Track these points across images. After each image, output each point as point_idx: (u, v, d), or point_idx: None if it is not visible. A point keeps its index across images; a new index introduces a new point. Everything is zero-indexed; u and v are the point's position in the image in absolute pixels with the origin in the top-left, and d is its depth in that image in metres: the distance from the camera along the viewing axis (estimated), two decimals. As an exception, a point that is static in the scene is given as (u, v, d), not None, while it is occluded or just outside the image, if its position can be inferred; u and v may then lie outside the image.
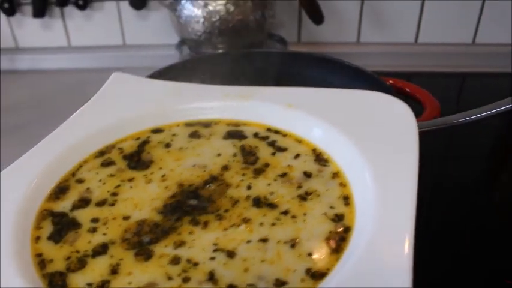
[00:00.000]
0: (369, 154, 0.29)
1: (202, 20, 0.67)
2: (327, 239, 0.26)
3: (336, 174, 0.31)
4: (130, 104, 0.38)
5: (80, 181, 0.32)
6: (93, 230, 0.28)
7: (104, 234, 0.28)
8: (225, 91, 0.38)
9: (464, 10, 0.78)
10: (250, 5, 0.67)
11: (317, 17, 0.68)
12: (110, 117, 0.36)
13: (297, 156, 0.33)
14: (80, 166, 0.33)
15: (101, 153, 0.35)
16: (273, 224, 0.28)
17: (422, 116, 0.42)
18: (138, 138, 0.36)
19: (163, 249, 0.27)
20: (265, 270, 0.25)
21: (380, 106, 0.34)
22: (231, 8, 0.66)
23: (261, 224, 0.28)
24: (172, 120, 0.37)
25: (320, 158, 0.33)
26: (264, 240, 0.27)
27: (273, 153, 0.34)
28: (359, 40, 0.80)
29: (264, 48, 0.68)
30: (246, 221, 0.28)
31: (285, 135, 0.35)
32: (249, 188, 0.31)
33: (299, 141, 0.34)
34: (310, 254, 0.26)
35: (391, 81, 0.48)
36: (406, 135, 0.30)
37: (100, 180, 0.32)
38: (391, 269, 0.22)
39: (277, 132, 0.35)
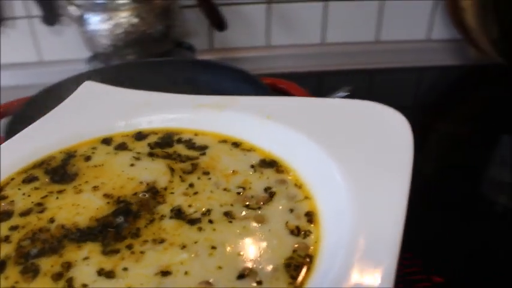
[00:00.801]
0: (347, 170, 0.27)
1: (107, 33, 0.69)
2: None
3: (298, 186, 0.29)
4: (88, 114, 0.37)
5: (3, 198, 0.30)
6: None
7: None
8: (199, 101, 0.36)
9: (365, 10, 0.83)
10: (153, 17, 0.69)
11: (219, 24, 0.71)
12: (61, 129, 0.36)
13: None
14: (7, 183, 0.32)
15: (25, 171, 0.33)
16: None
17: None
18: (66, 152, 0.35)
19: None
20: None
21: (363, 116, 0.32)
22: (134, 20, 0.68)
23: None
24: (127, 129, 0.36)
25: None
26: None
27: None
28: (270, 43, 0.84)
29: (165, 57, 0.71)
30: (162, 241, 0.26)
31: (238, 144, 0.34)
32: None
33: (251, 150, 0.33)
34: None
35: (268, 81, 0.51)
36: (398, 149, 0.28)
37: (24, 194, 0.31)
38: None
39: (234, 143, 0.34)
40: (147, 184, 0.30)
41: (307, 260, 0.24)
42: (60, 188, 0.31)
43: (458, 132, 0.68)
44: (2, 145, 0.33)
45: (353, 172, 0.26)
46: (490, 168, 0.57)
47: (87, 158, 0.34)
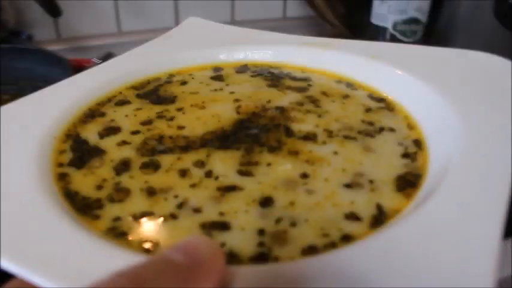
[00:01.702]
0: (461, 111, 0.27)
1: None
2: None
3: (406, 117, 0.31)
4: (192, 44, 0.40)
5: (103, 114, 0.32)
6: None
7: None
8: (302, 40, 0.39)
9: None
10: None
11: (52, 10, 0.67)
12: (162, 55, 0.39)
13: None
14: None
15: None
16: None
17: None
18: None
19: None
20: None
21: (474, 64, 0.33)
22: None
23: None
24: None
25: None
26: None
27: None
28: (120, 29, 0.81)
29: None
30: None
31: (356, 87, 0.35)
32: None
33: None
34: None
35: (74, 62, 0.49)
36: (500, 91, 0.29)
37: (126, 115, 0.32)
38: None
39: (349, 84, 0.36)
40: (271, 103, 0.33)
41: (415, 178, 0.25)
42: (167, 108, 0.33)
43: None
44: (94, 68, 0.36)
45: (463, 111, 0.27)
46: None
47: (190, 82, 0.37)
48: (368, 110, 0.32)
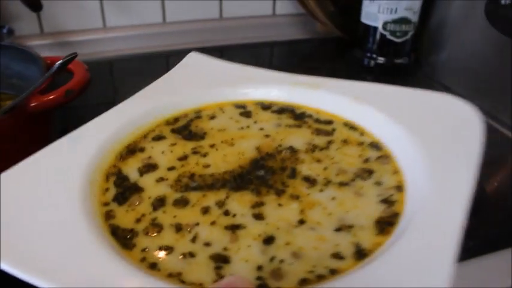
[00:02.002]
0: (430, 151, 0.31)
1: None
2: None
3: (392, 163, 0.34)
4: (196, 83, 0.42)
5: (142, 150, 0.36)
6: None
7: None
8: (293, 79, 0.42)
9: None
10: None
11: (32, 4, 0.65)
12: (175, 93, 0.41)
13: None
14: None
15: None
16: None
17: (71, 81, 0.42)
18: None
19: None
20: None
21: (445, 107, 0.36)
22: None
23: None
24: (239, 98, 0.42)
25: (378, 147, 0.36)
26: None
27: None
28: (105, 25, 0.79)
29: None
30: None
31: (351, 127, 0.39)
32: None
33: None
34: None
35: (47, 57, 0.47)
36: (468, 137, 0.32)
37: (163, 152, 0.35)
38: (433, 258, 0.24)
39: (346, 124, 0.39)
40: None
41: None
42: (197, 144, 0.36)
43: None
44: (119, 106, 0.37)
45: (433, 154, 0.31)
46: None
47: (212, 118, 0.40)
48: (365, 160, 0.35)
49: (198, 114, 0.41)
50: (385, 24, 0.68)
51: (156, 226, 0.29)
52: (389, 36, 0.69)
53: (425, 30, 0.73)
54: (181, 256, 0.27)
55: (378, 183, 0.32)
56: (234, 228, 0.29)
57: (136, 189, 0.32)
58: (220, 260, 0.26)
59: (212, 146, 0.36)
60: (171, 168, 0.34)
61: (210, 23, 0.83)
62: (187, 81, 0.43)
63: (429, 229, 0.26)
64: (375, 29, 0.70)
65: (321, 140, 0.37)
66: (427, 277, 0.22)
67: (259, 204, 0.30)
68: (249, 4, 0.84)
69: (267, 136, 0.37)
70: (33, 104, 0.39)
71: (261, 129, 0.38)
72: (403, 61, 0.72)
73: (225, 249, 0.27)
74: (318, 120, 0.40)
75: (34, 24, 0.76)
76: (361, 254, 0.27)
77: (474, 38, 0.64)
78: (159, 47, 0.81)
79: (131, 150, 0.35)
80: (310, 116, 0.40)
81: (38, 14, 0.75)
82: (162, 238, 0.28)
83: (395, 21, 0.68)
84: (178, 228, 0.29)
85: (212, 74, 0.44)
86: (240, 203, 0.31)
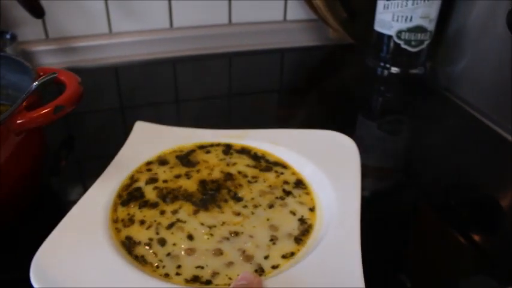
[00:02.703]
0: (331, 175, 0.43)
1: None
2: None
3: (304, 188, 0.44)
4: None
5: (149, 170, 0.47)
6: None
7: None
8: (223, 134, 0.51)
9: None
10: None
11: (34, 10, 0.63)
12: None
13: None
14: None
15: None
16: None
17: (62, 95, 0.40)
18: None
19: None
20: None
21: (333, 141, 0.49)
22: None
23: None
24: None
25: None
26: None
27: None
28: (111, 31, 0.77)
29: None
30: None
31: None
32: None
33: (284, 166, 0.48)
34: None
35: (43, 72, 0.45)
36: (352, 162, 0.45)
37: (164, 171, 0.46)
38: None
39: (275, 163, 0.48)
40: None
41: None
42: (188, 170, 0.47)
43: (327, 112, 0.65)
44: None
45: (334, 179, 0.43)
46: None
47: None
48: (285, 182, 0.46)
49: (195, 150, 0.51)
50: (399, 32, 0.65)
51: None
52: (403, 46, 0.66)
53: (442, 40, 0.69)
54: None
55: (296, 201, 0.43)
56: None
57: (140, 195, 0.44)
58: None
59: (198, 171, 0.47)
60: (165, 181, 0.46)
61: (218, 29, 0.81)
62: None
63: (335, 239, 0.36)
64: (389, 37, 0.66)
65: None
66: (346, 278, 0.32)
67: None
68: (259, 9, 0.82)
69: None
70: (19, 121, 0.36)
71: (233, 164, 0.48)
72: (418, 71, 0.69)
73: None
74: (267, 161, 0.49)
75: (39, 30, 0.75)
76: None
77: (494, 48, 0.61)
78: (166, 52, 0.79)
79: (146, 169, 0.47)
80: (262, 157, 0.49)
81: (43, 19, 0.73)
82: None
83: (410, 30, 0.64)
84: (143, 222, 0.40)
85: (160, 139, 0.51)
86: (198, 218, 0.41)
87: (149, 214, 0.40)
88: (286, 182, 0.45)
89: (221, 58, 0.81)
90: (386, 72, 0.69)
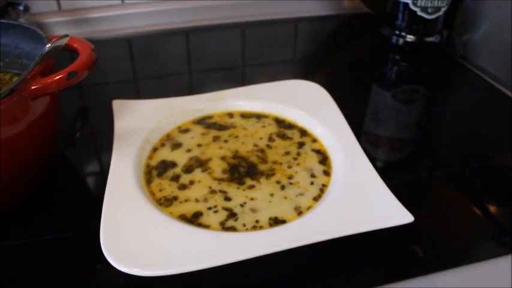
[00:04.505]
0: (318, 116, 0.47)
1: None
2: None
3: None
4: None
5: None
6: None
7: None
8: (205, 97, 0.52)
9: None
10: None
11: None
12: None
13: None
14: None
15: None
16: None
17: (75, 62, 0.40)
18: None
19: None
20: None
21: (305, 88, 0.52)
22: None
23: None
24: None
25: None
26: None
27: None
28: (123, 1, 0.77)
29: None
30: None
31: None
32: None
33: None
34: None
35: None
36: (330, 104, 0.49)
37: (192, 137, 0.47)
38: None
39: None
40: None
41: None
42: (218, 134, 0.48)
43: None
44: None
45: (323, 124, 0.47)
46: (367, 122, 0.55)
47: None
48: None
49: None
50: (415, -1, 0.64)
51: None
52: (420, 13, 0.65)
53: (460, 6, 0.67)
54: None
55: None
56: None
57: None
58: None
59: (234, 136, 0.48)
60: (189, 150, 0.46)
61: (231, -2, 0.80)
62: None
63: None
64: (405, 4, 0.65)
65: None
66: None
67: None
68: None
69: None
70: (34, 87, 0.37)
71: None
72: (434, 39, 0.67)
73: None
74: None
75: (51, 1, 0.75)
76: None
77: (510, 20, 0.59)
78: (179, 23, 0.78)
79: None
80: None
81: (56, -10, 0.73)
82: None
83: (426, -4, 0.63)
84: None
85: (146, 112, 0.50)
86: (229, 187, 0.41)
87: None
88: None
89: (234, 28, 0.80)
90: (401, 40, 0.68)
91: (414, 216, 0.34)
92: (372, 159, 0.42)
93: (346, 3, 0.81)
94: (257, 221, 0.37)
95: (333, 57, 0.73)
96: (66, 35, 0.35)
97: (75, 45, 0.43)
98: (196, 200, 0.39)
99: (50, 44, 0.34)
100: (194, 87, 0.65)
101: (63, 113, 0.47)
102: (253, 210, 0.38)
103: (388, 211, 0.35)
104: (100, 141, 0.53)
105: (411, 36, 0.67)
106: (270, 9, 0.81)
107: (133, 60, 0.73)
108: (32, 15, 0.69)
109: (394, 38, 0.69)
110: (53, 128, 0.44)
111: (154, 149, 0.46)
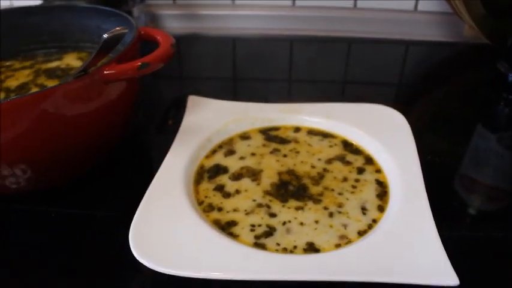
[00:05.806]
0: (389, 146, 0.44)
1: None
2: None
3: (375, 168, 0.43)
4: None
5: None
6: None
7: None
8: (279, 108, 0.51)
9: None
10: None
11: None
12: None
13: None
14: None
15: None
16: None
17: (151, 54, 0.41)
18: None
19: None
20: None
21: (383, 115, 0.49)
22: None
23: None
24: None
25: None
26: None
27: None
28: (234, 2, 0.79)
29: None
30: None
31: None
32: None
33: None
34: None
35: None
36: (407, 135, 0.45)
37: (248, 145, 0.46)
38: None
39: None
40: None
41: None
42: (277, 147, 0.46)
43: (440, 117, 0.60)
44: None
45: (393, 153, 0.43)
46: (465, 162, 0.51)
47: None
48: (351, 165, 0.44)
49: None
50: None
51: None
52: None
53: None
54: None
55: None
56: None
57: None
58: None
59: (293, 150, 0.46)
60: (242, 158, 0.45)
61: (341, 12, 0.78)
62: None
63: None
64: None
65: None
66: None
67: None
68: (391, -4, 0.77)
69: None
70: (106, 72, 0.38)
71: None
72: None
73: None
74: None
75: (168, -5, 0.79)
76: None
77: None
78: (285, 30, 0.78)
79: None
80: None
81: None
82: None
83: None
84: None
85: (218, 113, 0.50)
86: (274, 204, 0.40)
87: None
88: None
89: (341, 42, 0.78)
90: (518, 80, 0.60)
91: (460, 280, 0.30)
92: (463, 204, 0.40)
93: (467, 31, 0.75)
94: (295, 247, 0.35)
95: (438, 87, 0.68)
96: (125, 28, 0.37)
97: (158, 38, 0.45)
98: (244, 212, 0.38)
99: (106, 35, 0.35)
100: (278, 96, 0.64)
101: (159, 100, 0.49)
102: (293, 232, 0.36)
103: (432, 267, 0.31)
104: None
105: (530, 77, 0.60)
106: (380, 28, 0.78)
107: (235, 60, 0.74)
108: (146, 5, 0.73)
109: (510, 76, 0.61)
110: (125, 112, 0.46)
111: (214, 151, 0.46)
